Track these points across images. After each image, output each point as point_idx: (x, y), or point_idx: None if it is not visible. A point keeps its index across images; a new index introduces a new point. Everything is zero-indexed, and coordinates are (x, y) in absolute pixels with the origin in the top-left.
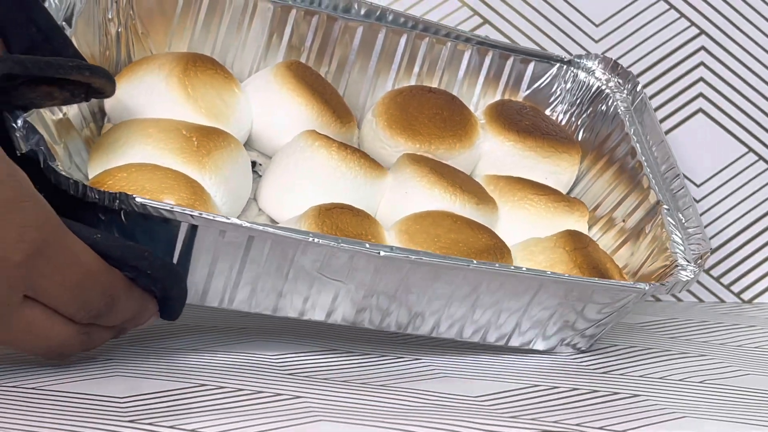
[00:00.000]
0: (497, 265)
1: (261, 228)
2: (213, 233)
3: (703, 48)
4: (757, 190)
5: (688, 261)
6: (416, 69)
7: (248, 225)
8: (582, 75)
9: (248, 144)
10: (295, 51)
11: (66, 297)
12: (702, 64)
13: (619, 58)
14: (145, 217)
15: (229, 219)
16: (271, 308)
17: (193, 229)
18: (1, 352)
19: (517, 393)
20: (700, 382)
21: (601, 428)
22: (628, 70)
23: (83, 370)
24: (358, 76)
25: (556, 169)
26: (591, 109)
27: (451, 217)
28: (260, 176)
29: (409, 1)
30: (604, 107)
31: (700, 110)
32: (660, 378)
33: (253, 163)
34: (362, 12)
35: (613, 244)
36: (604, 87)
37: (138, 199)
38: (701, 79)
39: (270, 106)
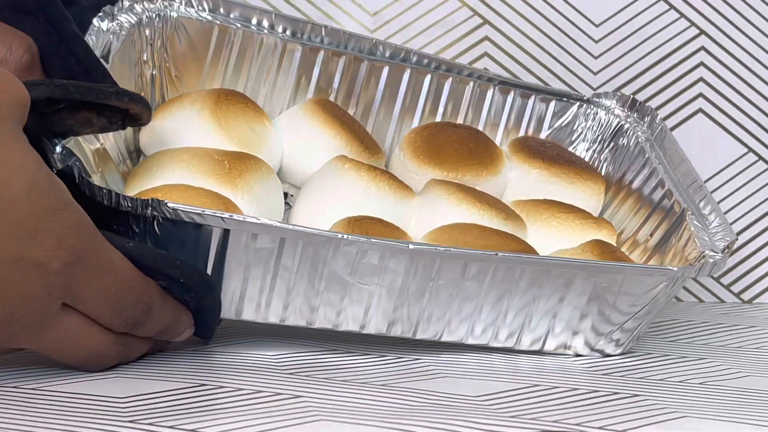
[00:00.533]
0: (524, 255)
1: (291, 228)
2: (245, 238)
3: (703, 48)
4: (757, 190)
5: (715, 251)
6: (441, 109)
7: (279, 225)
8: (602, 113)
9: (279, 176)
10: (323, 92)
11: (103, 305)
12: (702, 64)
13: (619, 58)
14: (177, 226)
15: (259, 219)
16: (306, 320)
17: (225, 235)
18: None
19: (517, 393)
20: (700, 383)
21: (600, 428)
22: (647, 105)
23: (83, 370)
24: (384, 115)
25: (582, 195)
26: (612, 144)
27: (479, 227)
28: (291, 207)
29: (409, 2)
30: (625, 140)
31: (700, 110)
32: (660, 379)
33: (285, 195)
34: (387, 54)
35: (641, 260)
36: (623, 123)
37: (170, 204)
38: (701, 79)
39: (300, 138)
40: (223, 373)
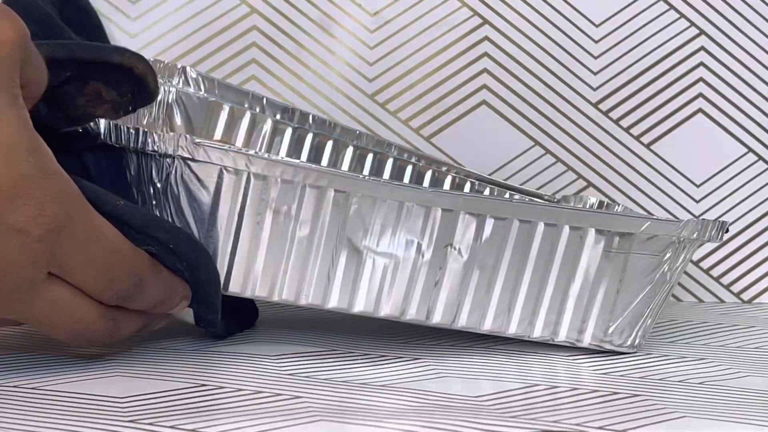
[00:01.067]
0: (538, 204)
1: (315, 168)
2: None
3: (703, 48)
4: (757, 190)
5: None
6: None
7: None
8: None
9: None
10: None
11: (92, 275)
12: (702, 64)
13: (619, 58)
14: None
15: (283, 159)
16: (321, 298)
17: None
18: (1, 351)
19: (517, 393)
20: (700, 383)
21: (600, 428)
22: (611, 203)
23: (83, 370)
24: None
25: None
26: None
27: None
28: None
29: (409, 2)
30: None
31: (700, 110)
32: (660, 379)
33: None
34: (370, 144)
35: None
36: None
37: (197, 140)
38: (701, 79)
39: None
40: (224, 374)
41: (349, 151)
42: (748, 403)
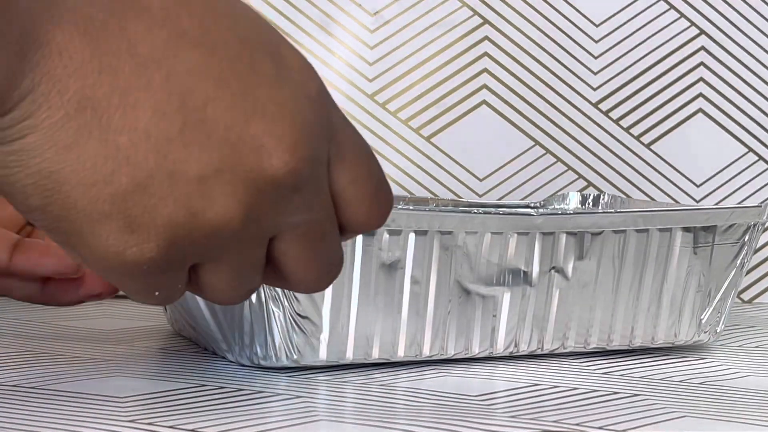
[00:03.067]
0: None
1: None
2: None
3: (703, 48)
4: (757, 190)
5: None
6: None
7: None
8: None
9: None
10: None
11: (365, 167)
12: (702, 64)
13: (619, 58)
14: None
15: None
16: (439, 347)
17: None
18: (1, 351)
19: (517, 393)
20: (701, 383)
21: (600, 428)
22: (597, 194)
23: (83, 370)
24: None
25: None
26: None
27: None
28: None
29: (409, 2)
30: None
31: (700, 110)
32: (660, 379)
33: None
34: None
35: None
36: None
37: None
38: (701, 79)
39: None
40: (224, 374)
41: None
42: (748, 403)
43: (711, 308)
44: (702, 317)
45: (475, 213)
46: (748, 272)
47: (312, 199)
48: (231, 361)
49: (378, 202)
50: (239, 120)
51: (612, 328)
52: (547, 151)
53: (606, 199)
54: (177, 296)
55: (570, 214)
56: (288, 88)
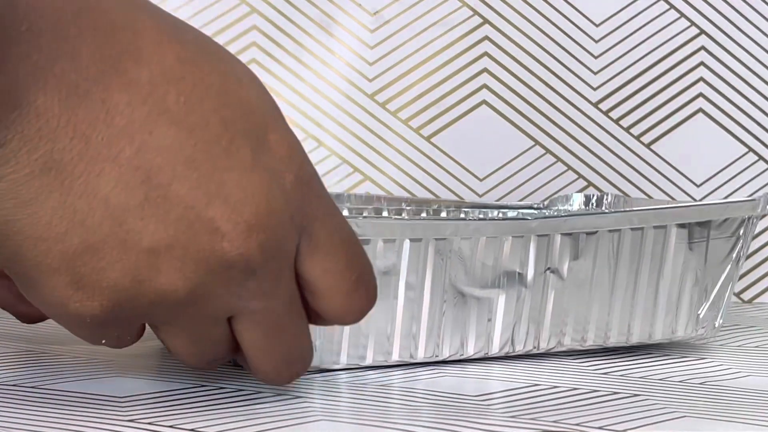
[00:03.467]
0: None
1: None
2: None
3: (703, 48)
4: (757, 190)
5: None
6: None
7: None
8: None
9: None
10: None
11: (342, 260)
12: (702, 64)
13: (619, 58)
14: None
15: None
16: (433, 350)
17: None
18: (1, 351)
19: (517, 393)
20: (701, 383)
21: (600, 428)
22: (601, 195)
23: (83, 370)
24: None
25: None
26: None
27: None
28: None
29: (409, 1)
30: None
31: (700, 110)
32: (660, 379)
33: None
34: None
35: None
36: None
37: None
38: (701, 79)
39: None
40: (224, 374)
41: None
42: (748, 403)
43: (708, 303)
44: (699, 312)
45: (470, 219)
46: (748, 272)
47: (269, 287)
48: (231, 361)
49: (356, 297)
50: (201, 201)
51: (609, 326)
52: (547, 151)
53: (609, 200)
54: (126, 344)
55: (564, 216)
56: (260, 176)
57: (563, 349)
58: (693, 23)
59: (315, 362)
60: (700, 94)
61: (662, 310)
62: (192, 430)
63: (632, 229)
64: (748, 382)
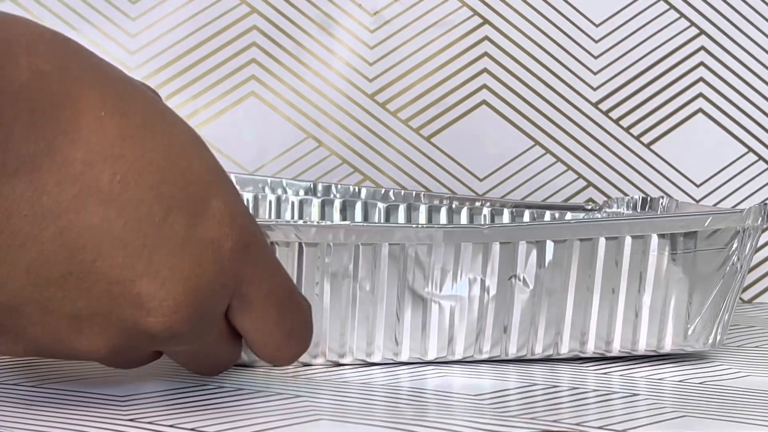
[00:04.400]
0: (602, 220)
1: (353, 224)
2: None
3: (703, 48)
4: (757, 190)
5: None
6: None
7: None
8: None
9: None
10: None
11: (272, 316)
12: (702, 64)
13: (619, 58)
14: None
15: (337, 223)
16: (392, 352)
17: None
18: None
19: (517, 392)
20: (700, 383)
21: (600, 427)
22: (656, 198)
23: (83, 370)
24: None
25: None
26: None
27: None
28: None
29: (409, 1)
30: None
31: (700, 110)
32: (660, 379)
33: None
34: (399, 200)
35: None
36: None
37: None
38: (701, 79)
39: None
40: (224, 373)
41: (378, 209)
42: (748, 403)
43: (699, 318)
44: (688, 326)
45: (419, 227)
46: (748, 272)
47: (194, 340)
48: None
49: (285, 349)
50: (126, 278)
51: (585, 336)
52: (547, 151)
53: (664, 203)
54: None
55: (520, 225)
56: (192, 251)
57: (536, 357)
58: (693, 23)
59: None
60: (700, 94)
61: (645, 322)
62: (192, 429)
63: (608, 238)
64: (748, 382)
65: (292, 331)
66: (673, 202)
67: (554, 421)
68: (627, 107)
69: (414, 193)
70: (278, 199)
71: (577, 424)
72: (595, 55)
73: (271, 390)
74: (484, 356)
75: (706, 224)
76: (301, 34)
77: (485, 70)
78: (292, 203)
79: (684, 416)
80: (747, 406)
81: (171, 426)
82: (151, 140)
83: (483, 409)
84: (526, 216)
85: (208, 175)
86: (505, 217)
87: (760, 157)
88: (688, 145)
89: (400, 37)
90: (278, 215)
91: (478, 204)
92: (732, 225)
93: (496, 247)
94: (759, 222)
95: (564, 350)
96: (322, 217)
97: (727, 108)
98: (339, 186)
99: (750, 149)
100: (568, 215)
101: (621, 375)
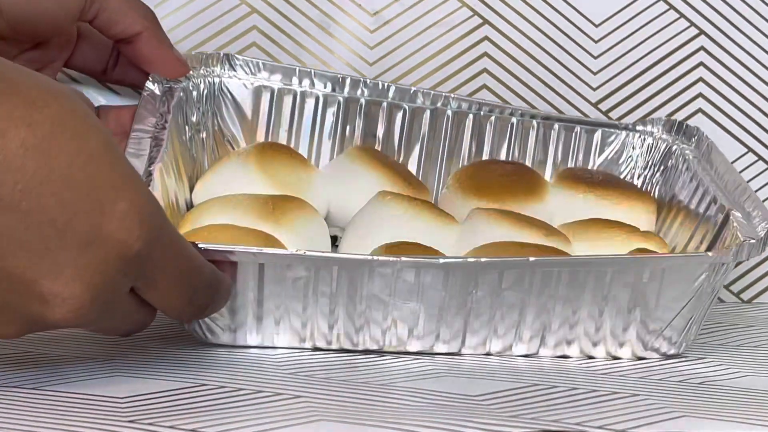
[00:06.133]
0: (556, 258)
1: (324, 255)
2: (279, 269)
3: (702, 48)
4: (757, 190)
5: (753, 237)
6: (486, 148)
7: (311, 254)
8: (649, 140)
9: (327, 221)
10: (366, 141)
11: (176, 292)
12: (702, 64)
13: (619, 58)
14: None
15: (291, 251)
16: (351, 342)
17: (261, 269)
18: (1, 351)
19: (517, 392)
20: (700, 383)
21: (600, 427)
22: (692, 126)
23: (83, 370)
24: (430, 160)
25: (631, 216)
26: (662, 167)
27: (518, 244)
28: (336, 246)
29: (409, 1)
30: (673, 161)
31: (700, 110)
32: (660, 379)
33: (334, 238)
34: (427, 102)
35: None
36: (671, 145)
37: (200, 245)
38: (701, 79)
39: (345, 183)
40: (224, 373)
41: (402, 113)
42: (748, 403)
43: (663, 329)
44: (648, 338)
45: (376, 259)
46: (747, 272)
47: (99, 325)
48: (231, 359)
49: (188, 313)
50: (31, 278)
51: (544, 341)
52: None
53: (697, 135)
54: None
55: (484, 259)
56: (96, 253)
57: (494, 353)
58: (692, 23)
59: (224, 340)
60: (700, 95)
61: (607, 332)
62: (192, 430)
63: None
64: (747, 382)
65: (194, 298)
66: (705, 141)
67: (554, 421)
68: (627, 107)
69: (443, 95)
70: (303, 94)
71: (577, 424)
72: (595, 55)
73: (271, 390)
74: (440, 351)
75: (664, 265)
76: (301, 34)
77: (485, 70)
78: (317, 98)
79: (683, 416)
80: (746, 406)
81: (171, 427)
82: (57, 149)
83: (483, 409)
84: (556, 129)
85: (117, 180)
86: (533, 133)
87: (760, 158)
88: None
89: (400, 37)
90: (300, 112)
91: (507, 113)
92: (695, 268)
93: (457, 272)
94: (727, 263)
95: (520, 351)
96: (339, 123)
97: (727, 108)
98: (369, 82)
99: (750, 149)
100: (599, 134)
101: (620, 375)
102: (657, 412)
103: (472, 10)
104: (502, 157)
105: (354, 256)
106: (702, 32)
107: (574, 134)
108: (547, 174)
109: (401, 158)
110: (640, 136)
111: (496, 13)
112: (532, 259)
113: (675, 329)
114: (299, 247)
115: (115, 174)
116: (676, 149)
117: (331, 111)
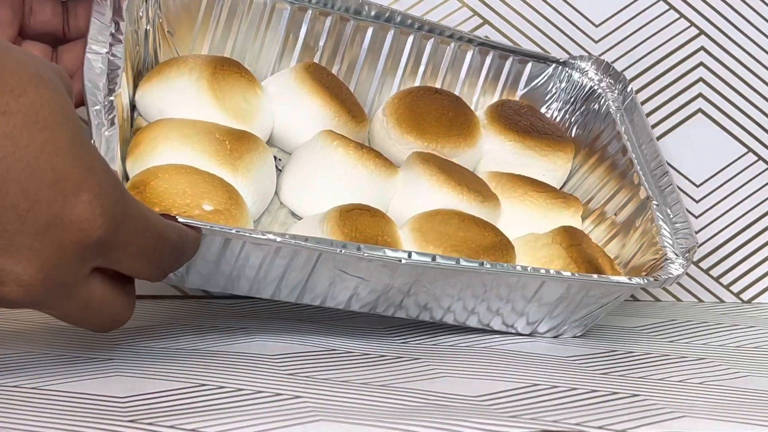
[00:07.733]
0: (505, 265)
1: (293, 242)
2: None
3: (702, 48)
4: (757, 190)
5: (677, 254)
6: (421, 68)
7: (281, 240)
8: (576, 75)
9: (269, 141)
10: (309, 51)
11: (142, 263)
12: (702, 64)
13: (619, 58)
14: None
15: (264, 235)
16: (295, 297)
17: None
18: (1, 351)
19: (517, 393)
20: (700, 383)
21: (600, 428)
22: (620, 71)
23: (83, 370)
24: (367, 75)
25: (552, 167)
26: (584, 107)
27: (459, 216)
28: (280, 170)
29: (409, 1)
30: (596, 106)
31: (700, 110)
32: (659, 379)
33: (275, 158)
34: (372, 14)
35: (604, 237)
36: (596, 87)
37: (180, 219)
38: (701, 79)
39: (290, 106)
40: (224, 373)
41: (350, 25)
42: (748, 403)
43: (558, 318)
44: (538, 327)
45: (342, 251)
46: (747, 272)
47: (56, 308)
48: (231, 361)
49: (155, 275)
50: None
51: (469, 319)
52: None
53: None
54: None
55: (434, 261)
56: (54, 239)
57: (424, 319)
58: (693, 24)
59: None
60: (700, 95)
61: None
62: (192, 430)
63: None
64: (747, 382)
65: (161, 263)
66: (630, 95)
67: (554, 421)
68: None
69: (390, 9)
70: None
71: (577, 424)
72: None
73: (271, 390)
74: (379, 312)
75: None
76: None
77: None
78: (265, 3)
79: (683, 416)
80: (746, 406)
81: (171, 427)
82: (27, 139)
83: (483, 409)
84: (491, 55)
85: (82, 173)
86: (468, 57)
87: (760, 158)
88: (688, 145)
89: None
90: (246, 16)
91: (447, 35)
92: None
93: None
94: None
95: (439, 319)
96: (284, 30)
97: (726, 108)
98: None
99: (750, 149)
100: (530, 65)
101: (620, 375)
102: (657, 412)
103: (472, 10)
104: (436, 78)
105: (332, 249)
106: (702, 32)
107: (506, 62)
108: (474, 99)
109: (340, 70)
110: (567, 71)
111: (496, 13)
112: (484, 268)
113: (587, 319)
114: (251, 192)
115: (79, 166)
116: (600, 93)
117: (277, 16)
